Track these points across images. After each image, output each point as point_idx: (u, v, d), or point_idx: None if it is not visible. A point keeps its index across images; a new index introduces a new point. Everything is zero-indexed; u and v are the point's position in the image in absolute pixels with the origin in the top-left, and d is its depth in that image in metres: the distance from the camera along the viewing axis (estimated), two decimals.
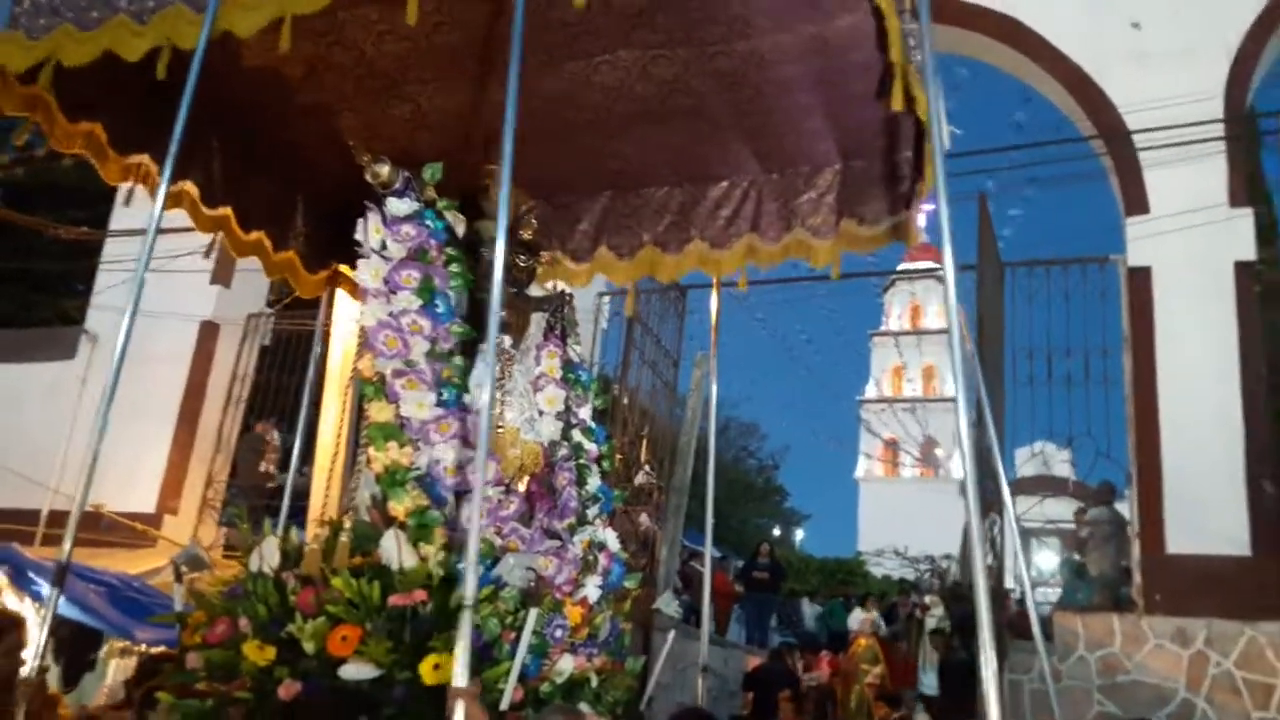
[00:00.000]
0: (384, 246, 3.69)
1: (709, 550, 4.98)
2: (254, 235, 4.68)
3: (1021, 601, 9.56)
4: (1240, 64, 7.87)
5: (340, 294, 7.37)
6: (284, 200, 4.76)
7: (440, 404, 3.61)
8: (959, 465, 39.60)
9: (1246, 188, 7.72)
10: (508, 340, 4.05)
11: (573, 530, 3.96)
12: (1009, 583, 9.81)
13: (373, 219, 3.71)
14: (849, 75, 3.70)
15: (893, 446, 40.75)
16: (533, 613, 3.12)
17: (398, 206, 3.70)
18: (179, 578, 3.59)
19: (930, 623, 13.53)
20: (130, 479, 10.42)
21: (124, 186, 11.36)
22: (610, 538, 4.11)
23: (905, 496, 38.39)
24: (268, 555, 3.47)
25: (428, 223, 3.73)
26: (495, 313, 2.85)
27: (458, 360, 3.70)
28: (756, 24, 3.51)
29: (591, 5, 3.45)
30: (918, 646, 13.72)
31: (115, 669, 7.38)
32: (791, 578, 19.35)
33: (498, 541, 3.57)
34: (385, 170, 3.69)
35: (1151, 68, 8.04)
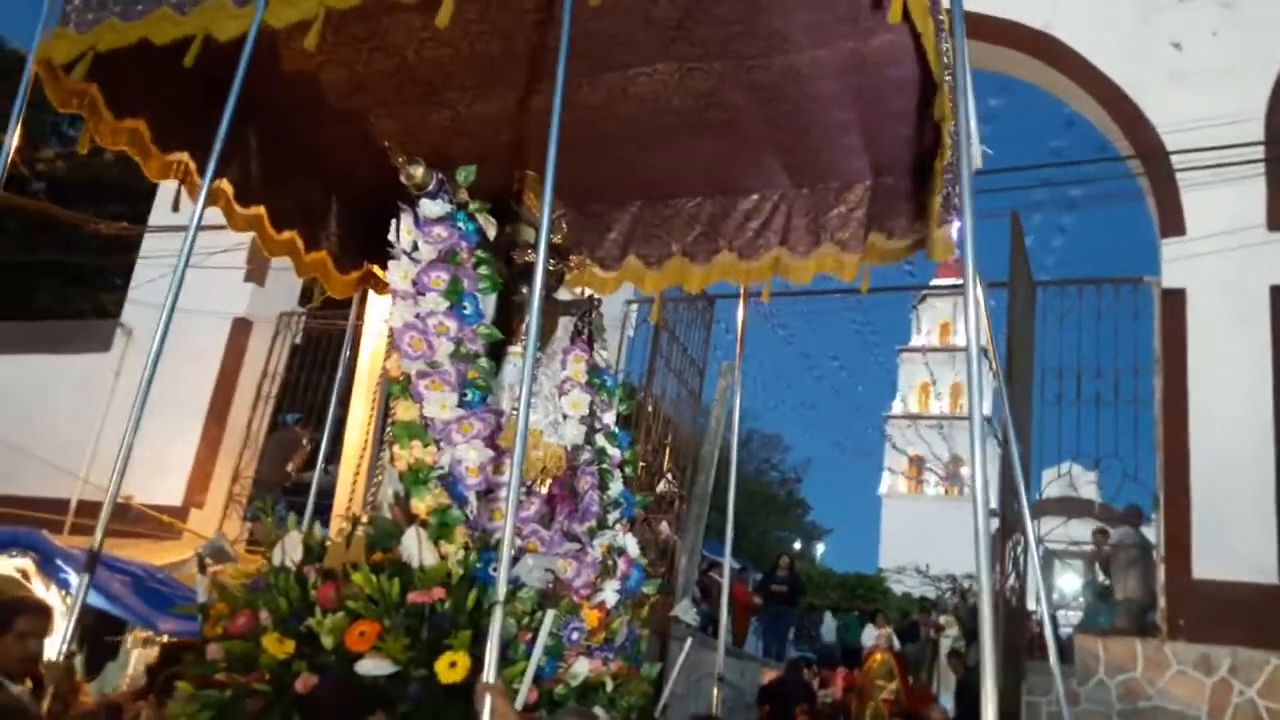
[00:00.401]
0: (415, 248, 3.74)
1: (728, 561, 4.98)
2: (286, 235, 4.74)
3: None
4: None
5: (372, 295, 7.47)
6: (318, 201, 4.82)
7: (463, 405, 3.65)
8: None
9: None
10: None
11: (593, 534, 3.98)
12: (1031, 604, 9.70)
13: (405, 220, 3.75)
14: (885, 92, 3.70)
15: (917, 463, 40.41)
16: (549, 614, 3.13)
17: (430, 208, 3.74)
18: (203, 569, 3.64)
19: (945, 643, 13.37)
20: (158, 472, 10.56)
21: (168, 188, 11.60)
22: (630, 543, 4.13)
23: (929, 514, 38.08)
24: (290, 550, 3.51)
25: (459, 225, 3.77)
26: (535, 317, 2.88)
27: (483, 362, 3.73)
28: (795, 39, 3.51)
29: (631, 18, 3.48)
30: (932, 668, 13.55)
31: (137, 658, 7.47)
32: (811, 592, 19.25)
33: (517, 542, 3.59)
34: (420, 172, 3.73)
35: (1191, 88, 7.95)
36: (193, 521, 10.83)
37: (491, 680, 2.68)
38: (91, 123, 3.96)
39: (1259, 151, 7.65)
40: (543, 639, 3.08)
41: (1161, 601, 7.57)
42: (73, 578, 6.94)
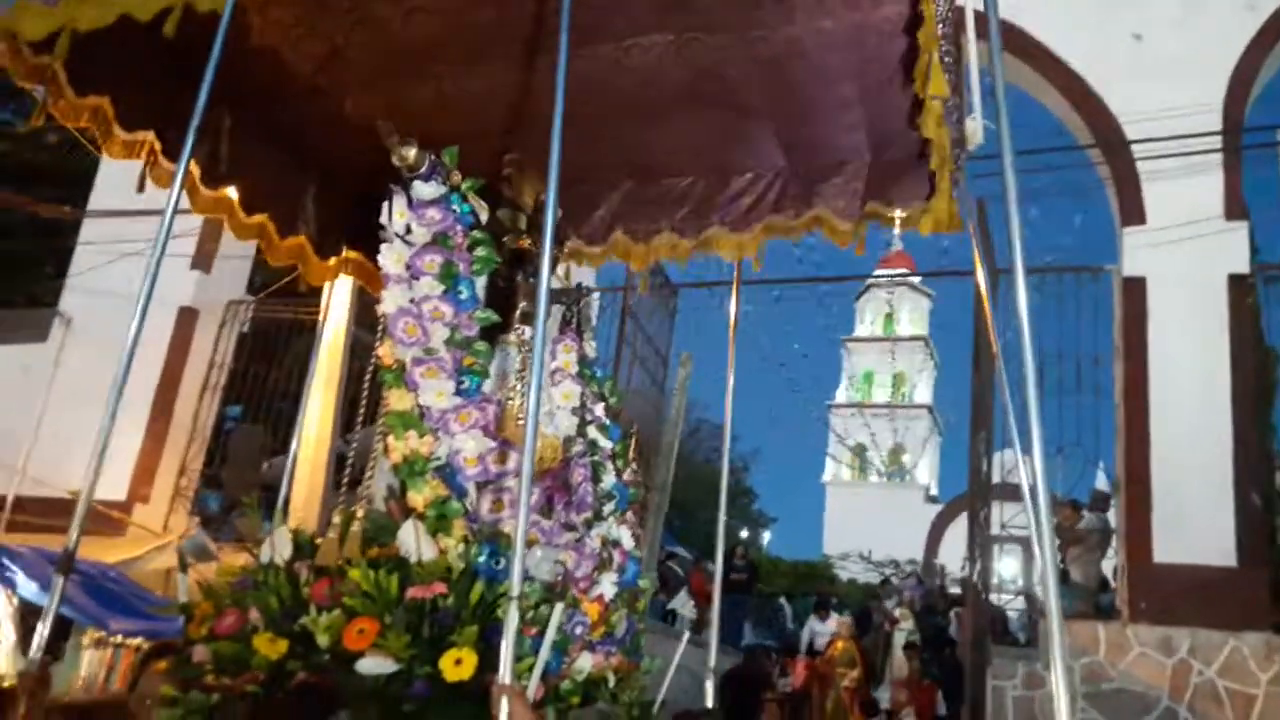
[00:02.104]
0: (408, 231, 3.59)
1: (720, 552, 4.91)
2: (257, 218, 4.53)
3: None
4: (1238, 78, 7.95)
5: (338, 282, 7.24)
6: (293, 183, 4.61)
7: (460, 393, 3.52)
8: (924, 471, 39.94)
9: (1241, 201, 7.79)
10: (527, 331, 3.95)
11: (589, 525, 3.88)
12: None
13: (397, 202, 3.60)
14: (889, 65, 3.61)
15: (860, 452, 40.96)
16: (558, 608, 3.03)
17: (423, 190, 3.59)
18: (184, 568, 3.46)
19: (899, 637, 13.37)
20: (102, 465, 10.19)
21: (107, 173, 11.16)
22: (625, 535, 4.04)
23: (871, 501, 38.56)
24: (280, 546, 3.36)
25: (454, 207, 3.63)
26: (544, 303, 2.77)
27: (480, 346, 3.60)
28: (800, 10, 3.40)
29: None
30: (885, 660, 13.54)
31: (89, 660, 7.18)
32: (762, 580, 19.36)
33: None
34: (413, 153, 3.57)
35: (1151, 79, 8.08)
36: (137, 516, 10.52)
37: (507, 680, 2.58)
38: (52, 99, 3.74)
39: (1217, 141, 7.81)
40: (551, 633, 2.98)
41: (1122, 585, 7.72)
42: (20, 576, 6.64)
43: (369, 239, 4.81)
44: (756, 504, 39.57)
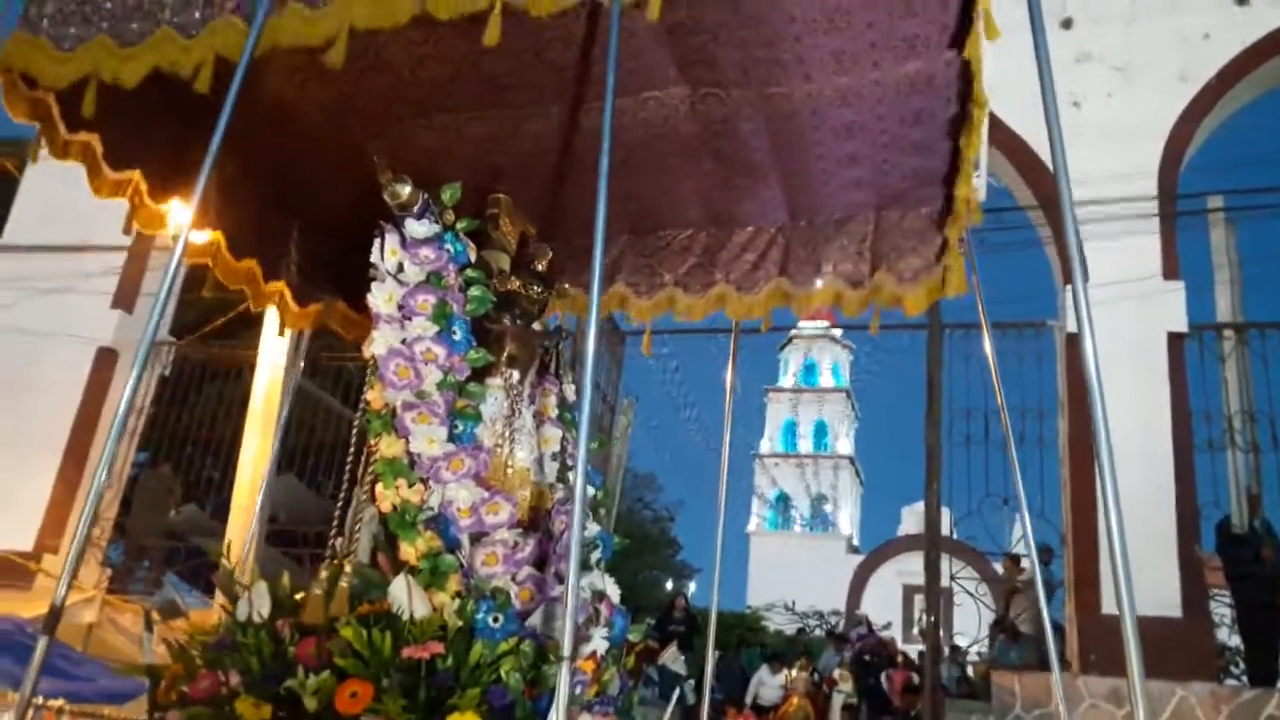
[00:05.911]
0: (400, 269, 3.44)
1: (715, 607, 4.80)
2: (245, 263, 4.33)
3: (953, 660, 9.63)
4: (1172, 146, 8.30)
5: (266, 327, 6.96)
6: (277, 225, 4.42)
7: (453, 439, 3.37)
8: (846, 522, 40.33)
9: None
10: (514, 375, 3.82)
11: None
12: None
13: (390, 240, 3.45)
14: (903, 122, 3.61)
15: (784, 502, 41.18)
16: (564, 666, 2.87)
17: (417, 229, 3.45)
18: (150, 626, 3.19)
19: (839, 698, 13.13)
20: (6, 513, 9.69)
21: (35, 205, 10.71)
22: (611, 586, 3.88)
23: (794, 551, 38.68)
24: (258, 601, 3.13)
25: (447, 246, 3.49)
26: (591, 349, 2.66)
27: (473, 388, 3.46)
28: (820, 66, 3.36)
29: (651, 40, 3.29)
30: None
31: None
32: (697, 631, 19.05)
33: (513, 588, 3.30)
34: (406, 191, 3.44)
35: (1090, 144, 8.37)
36: (45, 567, 9.91)
37: None
38: (45, 135, 3.55)
39: (1153, 206, 8.11)
40: (563, 696, 2.82)
41: (1072, 636, 7.80)
42: None
43: (349, 284, 4.63)
44: (681, 555, 39.34)
